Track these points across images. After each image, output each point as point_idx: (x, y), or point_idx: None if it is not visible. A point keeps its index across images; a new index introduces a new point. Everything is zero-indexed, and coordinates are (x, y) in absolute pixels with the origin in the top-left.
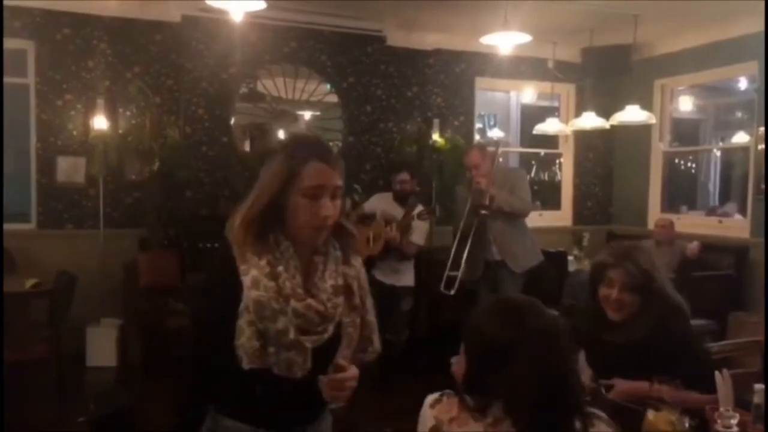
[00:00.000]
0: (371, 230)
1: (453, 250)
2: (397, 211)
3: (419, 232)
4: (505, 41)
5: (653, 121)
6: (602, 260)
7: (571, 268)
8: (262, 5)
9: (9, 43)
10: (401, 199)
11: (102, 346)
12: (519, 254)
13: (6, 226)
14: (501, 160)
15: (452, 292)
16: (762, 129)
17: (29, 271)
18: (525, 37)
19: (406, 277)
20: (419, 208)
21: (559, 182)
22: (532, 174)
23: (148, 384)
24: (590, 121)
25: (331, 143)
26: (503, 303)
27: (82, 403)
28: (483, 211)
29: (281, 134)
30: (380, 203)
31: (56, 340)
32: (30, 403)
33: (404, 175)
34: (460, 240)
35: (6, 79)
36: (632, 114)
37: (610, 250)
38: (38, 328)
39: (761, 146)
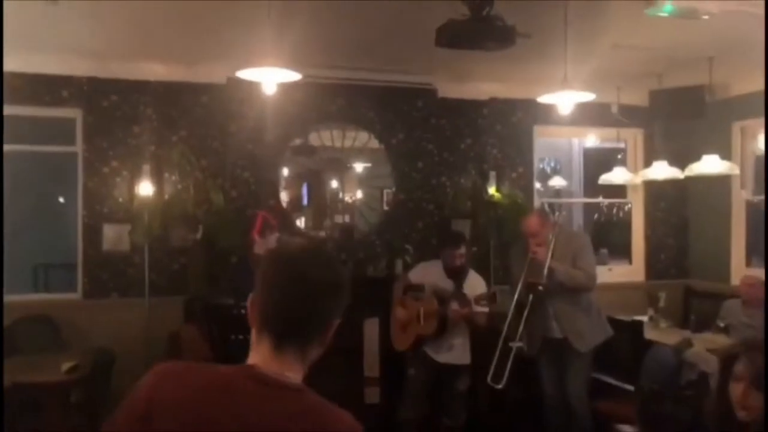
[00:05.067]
0: (421, 305)
1: (507, 323)
2: (448, 285)
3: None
4: (565, 100)
5: (736, 171)
6: None
7: (648, 334)
8: (296, 77)
9: (57, 112)
10: (453, 272)
11: None
12: (585, 331)
13: (53, 296)
14: (561, 224)
15: (500, 386)
16: None
17: (73, 344)
18: (587, 96)
19: (462, 354)
20: (475, 278)
21: (627, 231)
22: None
23: None
24: (662, 171)
25: (380, 200)
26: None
27: None
28: (539, 287)
29: (334, 183)
30: (428, 275)
31: (94, 426)
32: None
33: (462, 250)
34: (515, 313)
35: (54, 148)
36: (711, 165)
37: None
38: (75, 413)
39: None
